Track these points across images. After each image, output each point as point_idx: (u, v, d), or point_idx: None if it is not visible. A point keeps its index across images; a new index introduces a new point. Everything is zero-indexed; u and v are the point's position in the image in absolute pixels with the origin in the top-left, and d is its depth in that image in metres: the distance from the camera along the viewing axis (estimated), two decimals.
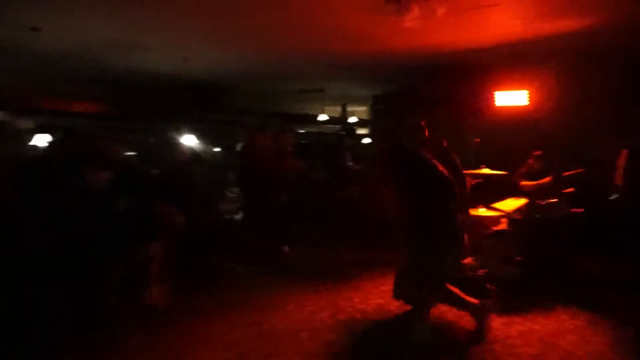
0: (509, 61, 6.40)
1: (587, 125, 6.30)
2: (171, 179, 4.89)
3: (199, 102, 9.64)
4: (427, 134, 3.67)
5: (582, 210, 4.99)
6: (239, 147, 7.84)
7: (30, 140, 6.49)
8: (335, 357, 3.33)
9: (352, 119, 12.36)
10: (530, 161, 5.55)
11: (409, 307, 3.85)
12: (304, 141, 9.93)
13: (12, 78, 7.55)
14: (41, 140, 6.39)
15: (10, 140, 3.54)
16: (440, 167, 3.44)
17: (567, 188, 5.13)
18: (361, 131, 13.50)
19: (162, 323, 3.85)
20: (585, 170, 5.15)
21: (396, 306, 4.20)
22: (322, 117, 11.07)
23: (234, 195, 7.11)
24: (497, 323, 3.79)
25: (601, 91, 6.11)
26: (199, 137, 7.74)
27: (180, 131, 7.32)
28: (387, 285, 4.73)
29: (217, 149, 10.75)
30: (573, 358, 3.26)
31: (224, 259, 5.51)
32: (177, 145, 5.35)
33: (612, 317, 3.88)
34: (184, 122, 8.40)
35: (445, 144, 3.93)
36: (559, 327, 3.74)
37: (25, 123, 8.41)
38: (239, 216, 6.66)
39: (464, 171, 5.02)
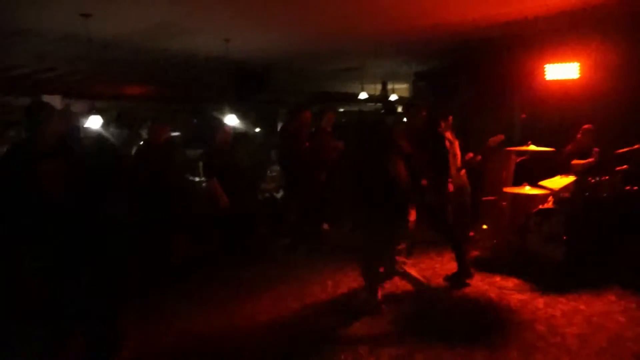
0: (561, 31, 6.03)
1: None
2: (214, 158, 5.03)
3: (240, 83, 9.79)
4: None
5: (636, 188, 4.73)
6: (279, 127, 7.95)
7: (84, 122, 6.82)
8: (375, 333, 3.39)
9: (393, 97, 12.17)
10: (579, 136, 5.30)
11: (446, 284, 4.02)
12: (343, 120, 9.91)
13: (65, 64, 7.93)
14: (95, 122, 6.71)
15: (62, 122, 3.66)
16: (410, 147, 3.78)
17: (620, 165, 4.87)
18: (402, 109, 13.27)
19: (206, 299, 4.04)
20: None
21: (437, 283, 4.22)
22: (363, 96, 10.97)
23: (274, 174, 7.25)
24: (540, 302, 3.73)
25: None
26: (240, 118, 7.88)
27: (222, 112, 7.49)
28: (425, 263, 4.75)
29: (258, 129, 10.94)
30: (621, 339, 3.15)
31: (265, 237, 5.66)
32: (220, 126, 5.47)
33: None
34: (226, 102, 8.58)
35: (442, 125, 4.55)
36: (606, 308, 3.61)
37: (80, 106, 8.89)
38: (279, 194, 6.80)
39: (510, 148, 4.89)
